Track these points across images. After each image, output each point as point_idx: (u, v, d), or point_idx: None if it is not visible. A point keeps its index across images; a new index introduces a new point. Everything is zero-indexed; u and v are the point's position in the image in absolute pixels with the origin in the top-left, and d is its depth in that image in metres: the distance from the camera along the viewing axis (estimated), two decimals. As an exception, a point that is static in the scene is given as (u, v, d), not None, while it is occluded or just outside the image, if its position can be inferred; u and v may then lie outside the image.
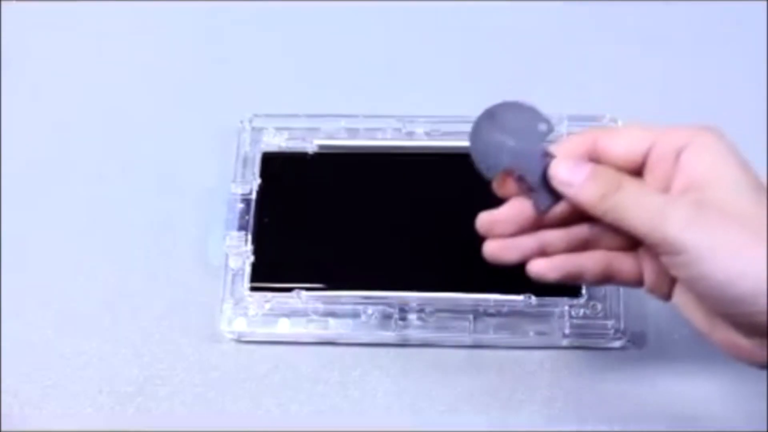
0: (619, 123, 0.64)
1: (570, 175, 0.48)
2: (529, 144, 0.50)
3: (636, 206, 0.46)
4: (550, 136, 0.50)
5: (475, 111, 0.66)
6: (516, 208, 0.50)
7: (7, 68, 0.72)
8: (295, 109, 0.66)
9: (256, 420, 0.61)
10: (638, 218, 0.46)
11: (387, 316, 0.61)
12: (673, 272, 0.47)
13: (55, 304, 0.64)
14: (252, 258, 0.63)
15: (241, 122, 0.66)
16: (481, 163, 0.51)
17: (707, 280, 0.44)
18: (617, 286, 0.57)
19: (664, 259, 0.46)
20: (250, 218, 0.64)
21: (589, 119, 0.64)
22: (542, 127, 0.50)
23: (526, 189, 0.50)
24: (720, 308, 0.46)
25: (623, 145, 0.48)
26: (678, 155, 0.47)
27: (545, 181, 0.49)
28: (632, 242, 0.49)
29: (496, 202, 0.63)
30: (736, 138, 0.63)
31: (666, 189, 0.47)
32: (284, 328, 0.62)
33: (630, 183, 0.47)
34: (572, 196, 0.48)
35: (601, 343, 0.60)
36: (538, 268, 0.50)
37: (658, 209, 0.46)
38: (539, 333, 0.60)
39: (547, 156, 0.49)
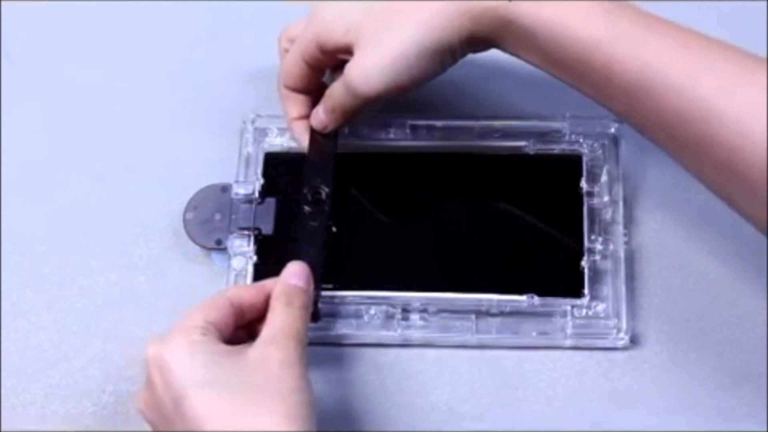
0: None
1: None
2: None
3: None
4: None
5: (477, 111, 0.67)
6: None
7: (7, 68, 0.72)
8: (298, 109, 0.67)
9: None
10: None
11: (390, 317, 0.61)
12: None
13: (57, 304, 0.64)
14: (255, 258, 0.63)
15: (244, 123, 0.66)
16: None
17: None
18: None
19: None
20: (253, 218, 0.64)
21: (590, 119, 0.64)
22: None
23: None
24: None
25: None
26: None
27: None
28: None
29: (499, 202, 0.64)
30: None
31: None
32: (287, 328, 0.62)
33: None
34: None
35: (603, 343, 0.60)
36: None
37: None
38: (541, 333, 0.60)
39: None
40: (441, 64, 0.58)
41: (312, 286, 0.57)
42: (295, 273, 0.57)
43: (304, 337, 0.54)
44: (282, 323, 0.54)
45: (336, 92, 0.60)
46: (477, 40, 0.56)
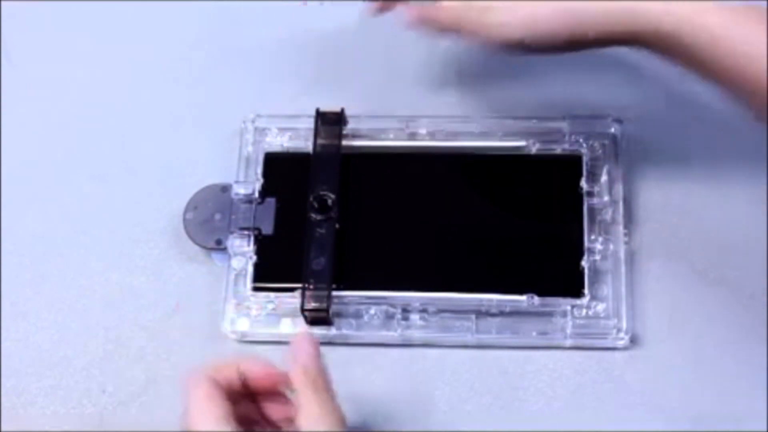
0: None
1: None
2: None
3: None
4: None
5: (477, 111, 0.67)
6: None
7: (7, 68, 0.72)
8: (298, 109, 0.67)
9: (259, 420, 0.61)
10: None
11: (390, 317, 0.61)
12: None
13: (57, 304, 0.64)
14: (255, 258, 0.63)
15: (244, 122, 0.66)
16: None
17: None
18: None
19: None
20: (253, 218, 0.64)
21: (590, 119, 0.64)
22: None
23: None
24: None
25: None
26: None
27: None
28: None
29: (499, 202, 0.64)
30: (736, 138, 0.64)
31: None
32: (287, 328, 0.62)
33: None
34: None
35: (603, 343, 0.60)
36: None
37: None
38: (541, 333, 0.60)
39: None
40: (570, 45, 0.57)
41: (319, 350, 0.54)
42: (304, 353, 0.54)
43: (341, 416, 0.52)
44: (320, 412, 0.52)
45: (459, 12, 0.58)
46: (613, 39, 0.56)
